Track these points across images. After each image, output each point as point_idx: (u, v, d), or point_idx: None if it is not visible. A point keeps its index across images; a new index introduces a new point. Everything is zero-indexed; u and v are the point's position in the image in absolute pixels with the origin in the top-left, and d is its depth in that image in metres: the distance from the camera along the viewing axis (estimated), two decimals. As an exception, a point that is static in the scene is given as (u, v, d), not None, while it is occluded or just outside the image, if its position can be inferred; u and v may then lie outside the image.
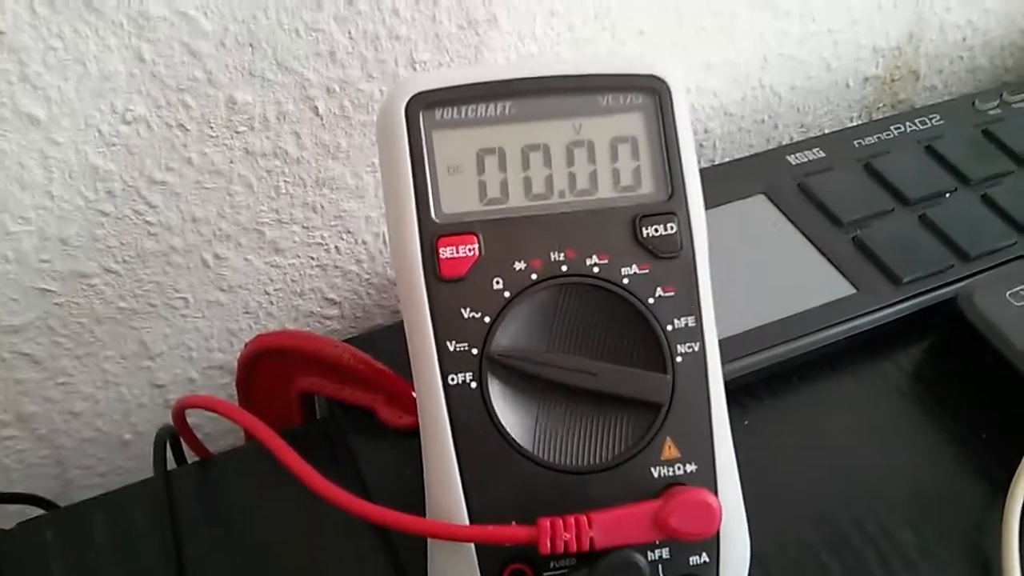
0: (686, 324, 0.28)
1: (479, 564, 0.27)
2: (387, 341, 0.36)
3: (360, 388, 0.36)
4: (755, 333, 0.37)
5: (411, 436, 0.29)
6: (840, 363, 0.39)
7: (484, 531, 0.26)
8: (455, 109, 0.28)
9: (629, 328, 0.28)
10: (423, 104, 0.27)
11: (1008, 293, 0.37)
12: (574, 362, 0.27)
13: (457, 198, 0.28)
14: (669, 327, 0.28)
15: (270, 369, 0.37)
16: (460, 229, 0.27)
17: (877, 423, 0.37)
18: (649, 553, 0.27)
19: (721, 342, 0.28)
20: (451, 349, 0.27)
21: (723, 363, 0.28)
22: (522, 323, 0.27)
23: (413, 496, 0.29)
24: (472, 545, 0.27)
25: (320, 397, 0.39)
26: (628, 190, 0.28)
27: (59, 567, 0.33)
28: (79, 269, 0.38)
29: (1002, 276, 0.38)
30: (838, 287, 0.39)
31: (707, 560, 0.28)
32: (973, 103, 0.48)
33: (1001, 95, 0.48)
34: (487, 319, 0.27)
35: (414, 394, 0.28)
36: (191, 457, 0.38)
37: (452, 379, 0.27)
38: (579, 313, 0.28)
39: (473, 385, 0.27)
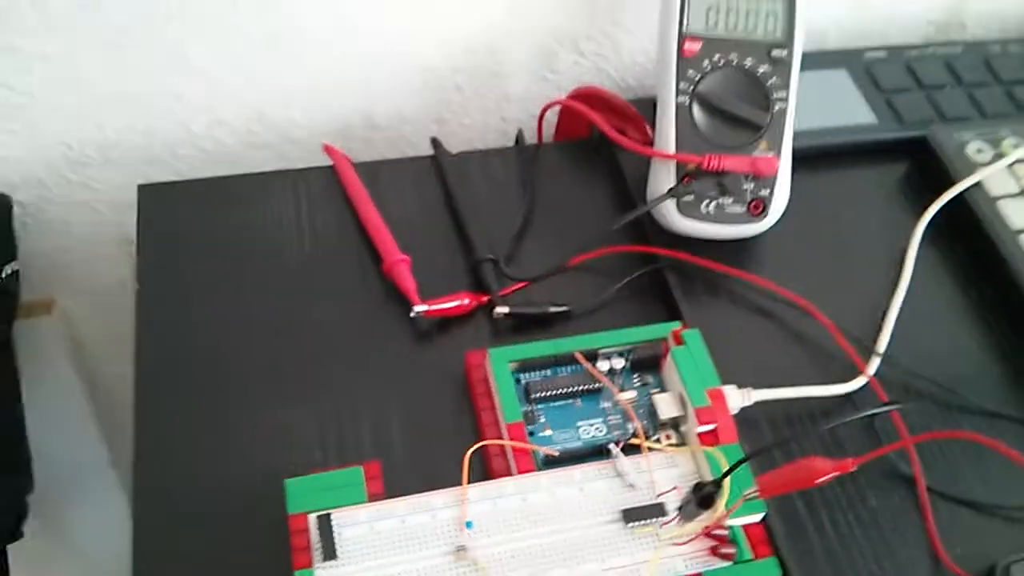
0: (784, 94, 0.66)
1: (676, 172, 0.67)
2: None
3: (623, 128, 0.76)
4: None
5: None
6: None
7: (681, 156, 0.66)
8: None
9: (756, 92, 0.66)
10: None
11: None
12: (733, 103, 0.66)
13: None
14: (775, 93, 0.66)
15: (580, 108, 0.77)
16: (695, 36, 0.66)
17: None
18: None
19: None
20: (679, 87, 0.66)
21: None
22: (715, 80, 0.66)
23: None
24: (673, 163, 0.67)
25: (595, 128, 0.78)
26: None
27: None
28: None
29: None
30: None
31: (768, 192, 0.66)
32: None
33: None
34: (698, 76, 0.66)
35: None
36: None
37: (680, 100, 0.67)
38: (734, 80, 0.67)
39: (685, 103, 0.66)
